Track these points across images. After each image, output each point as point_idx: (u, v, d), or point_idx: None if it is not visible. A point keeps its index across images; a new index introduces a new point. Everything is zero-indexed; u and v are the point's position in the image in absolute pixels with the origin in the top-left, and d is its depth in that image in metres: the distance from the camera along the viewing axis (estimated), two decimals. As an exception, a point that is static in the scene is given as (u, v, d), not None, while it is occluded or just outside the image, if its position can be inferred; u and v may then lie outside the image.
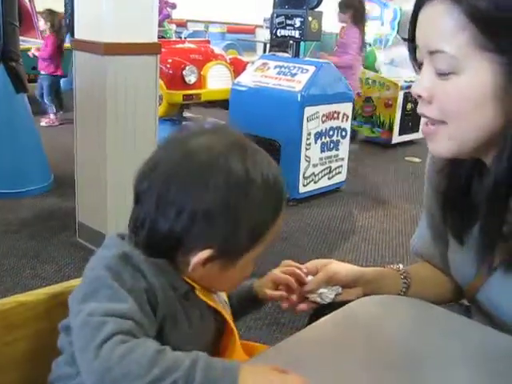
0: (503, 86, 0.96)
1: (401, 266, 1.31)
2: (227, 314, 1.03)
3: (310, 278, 1.21)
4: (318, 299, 1.19)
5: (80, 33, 3.33)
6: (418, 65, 1.08)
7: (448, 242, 1.25)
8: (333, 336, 1.04)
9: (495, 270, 1.10)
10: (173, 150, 0.95)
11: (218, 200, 0.89)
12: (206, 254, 0.91)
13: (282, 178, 0.96)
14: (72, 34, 3.82)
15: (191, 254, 0.91)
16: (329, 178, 4.74)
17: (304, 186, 4.50)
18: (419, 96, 1.04)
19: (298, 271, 1.22)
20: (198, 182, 0.89)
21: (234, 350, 1.05)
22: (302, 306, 1.21)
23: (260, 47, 10.82)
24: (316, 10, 4.67)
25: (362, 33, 5.75)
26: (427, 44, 1.01)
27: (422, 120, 1.09)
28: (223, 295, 1.08)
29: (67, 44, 5.54)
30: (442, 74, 0.99)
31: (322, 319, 1.06)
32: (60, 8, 8.29)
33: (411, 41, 1.08)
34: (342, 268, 1.25)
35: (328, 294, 1.19)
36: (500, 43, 0.95)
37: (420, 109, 1.06)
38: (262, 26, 10.89)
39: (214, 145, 0.92)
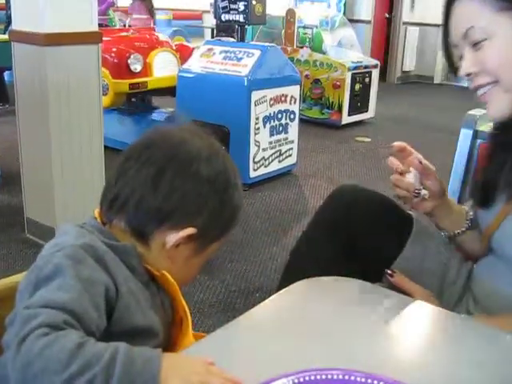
0: None
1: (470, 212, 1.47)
2: (185, 303, 1.04)
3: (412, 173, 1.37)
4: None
5: (18, 24, 3.25)
6: (452, 65, 1.29)
7: None
8: (269, 321, 1.05)
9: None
10: (167, 136, 1.03)
11: (210, 187, 0.99)
12: (189, 231, 0.98)
13: None
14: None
15: (173, 231, 0.98)
16: (279, 162, 4.75)
17: (254, 170, 4.50)
18: (469, 74, 1.21)
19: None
20: (196, 167, 0.98)
21: (185, 337, 1.04)
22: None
23: (208, 32, 10.74)
24: (259, -7, 4.66)
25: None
26: (460, 31, 1.21)
27: (477, 93, 1.24)
28: None
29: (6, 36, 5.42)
30: (477, 44, 1.17)
31: (261, 304, 1.07)
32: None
33: (445, 41, 1.28)
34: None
35: (424, 191, 1.37)
36: None
37: (472, 84, 1.23)
38: (208, 12, 10.81)
39: (212, 144, 1.04)
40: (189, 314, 1.04)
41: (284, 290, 1.10)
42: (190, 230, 0.98)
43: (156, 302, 1.00)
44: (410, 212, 1.50)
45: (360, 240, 1.43)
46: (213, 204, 1.00)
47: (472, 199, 1.42)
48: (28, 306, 0.81)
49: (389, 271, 1.32)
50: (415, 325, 1.03)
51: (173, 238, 0.98)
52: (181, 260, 1.02)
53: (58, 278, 0.85)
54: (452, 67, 1.31)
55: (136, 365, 0.77)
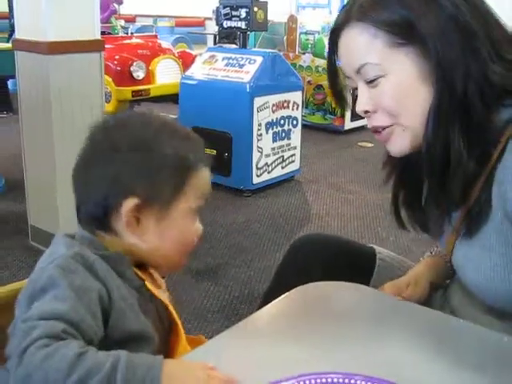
0: (424, 68, 1.09)
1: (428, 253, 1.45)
2: (173, 309, 1.04)
3: None
4: None
5: (21, 32, 3.27)
6: (339, 98, 1.27)
7: None
8: (270, 326, 1.05)
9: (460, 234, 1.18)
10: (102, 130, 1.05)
11: (133, 155, 0.98)
12: (132, 201, 0.97)
13: (191, 142, 1.06)
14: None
15: (121, 210, 0.97)
16: (282, 168, 4.76)
17: (258, 176, 4.51)
18: (366, 112, 1.15)
19: None
20: (115, 144, 1.00)
21: (179, 344, 1.05)
22: None
23: (210, 39, 10.77)
24: (261, 0, 4.68)
25: None
26: (352, 65, 1.14)
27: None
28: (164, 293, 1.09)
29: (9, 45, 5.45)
30: (372, 82, 1.11)
31: (263, 309, 1.07)
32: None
33: (332, 75, 1.23)
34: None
35: None
36: (407, 37, 1.08)
37: (370, 124, 1.17)
38: (211, 18, 10.84)
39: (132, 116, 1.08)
40: (178, 321, 1.04)
41: (285, 295, 1.11)
42: (132, 201, 0.97)
43: (149, 307, 1.00)
44: (372, 246, 1.54)
45: None
46: (140, 165, 0.98)
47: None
48: (26, 319, 0.83)
49: None
50: (414, 328, 1.04)
51: (123, 216, 0.97)
52: (153, 235, 1.00)
53: (52, 289, 0.86)
54: (340, 102, 1.27)
55: (137, 372, 0.78)
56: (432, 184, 1.16)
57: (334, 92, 1.26)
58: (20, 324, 0.83)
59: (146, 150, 0.99)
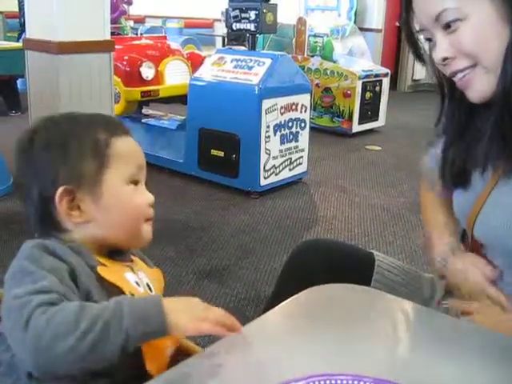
0: (502, 8, 1.10)
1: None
2: (133, 291, 1.01)
3: None
4: None
5: (32, 32, 3.29)
6: (419, 54, 1.26)
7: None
8: (279, 327, 1.06)
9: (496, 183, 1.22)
10: None
11: (42, 151, 1.04)
12: (60, 189, 1.00)
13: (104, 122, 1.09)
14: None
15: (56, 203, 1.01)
16: (290, 170, 4.76)
17: (265, 178, 4.51)
18: (445, 59, 1.16)
19: None
20: (26, 153, 1.06)
21: None
22: None
23: (219, 41, 10.78)
24: (270, 2, 4.68)
25: None
26: (430, 13, 1.14)
27: (456, 77, 1.19)
28: (146, 278, 1.09)
29: (19, 44, 5.48)
30: (450, 27, 1.12)
31: (271, 311, 1.08)
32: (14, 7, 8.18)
33: (408, 27, 1.22)
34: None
35: None
36: None
37: (449, 69, 1.18)
38: (219, 20, 10.85)
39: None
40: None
41: (293, 297, 1.11)
42: (60, 189, 1.00)
43: (113, 290, 0.98)
44: (371, 251, 1.53)
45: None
46: (56, 158, 1.02)
47: (447, 181, 1.35)
48: (18, 295, 0.86)
49: None
50: (423, 330, 1.04)
51: (58, 207, 1.01)
52: (99, 216, 1.03)
53: (27, 276, 0.90)
54: (418, 55, 1.27)
55: (140, 304, 0.87)
56: (504, 124, 1.15)
57: (410, 44, 1.26)
58: (10, 301, 0.86)
59: (56, 144, 1.03)
